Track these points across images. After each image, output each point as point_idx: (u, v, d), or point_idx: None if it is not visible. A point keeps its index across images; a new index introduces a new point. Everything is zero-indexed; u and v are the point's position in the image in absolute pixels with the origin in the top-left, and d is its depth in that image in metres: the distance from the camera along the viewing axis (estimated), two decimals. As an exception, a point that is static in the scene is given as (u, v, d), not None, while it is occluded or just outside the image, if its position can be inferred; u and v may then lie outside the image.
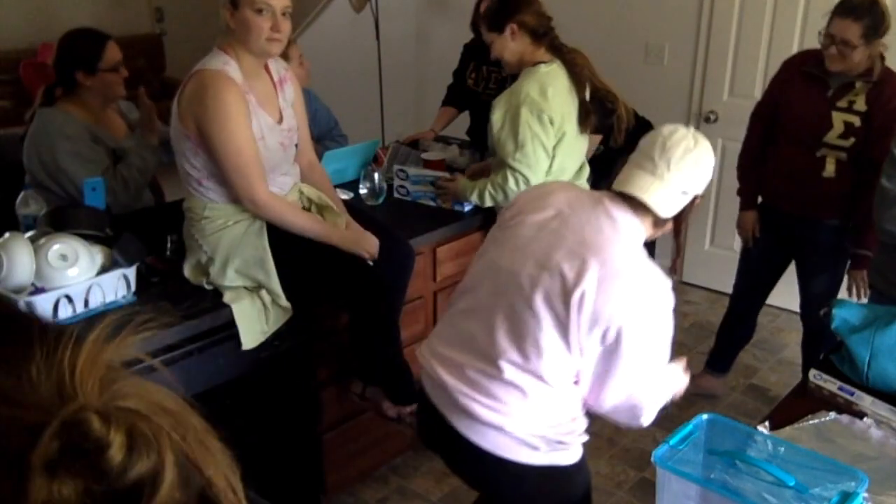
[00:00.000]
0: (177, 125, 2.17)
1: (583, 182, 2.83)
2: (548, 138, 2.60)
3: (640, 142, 1.76)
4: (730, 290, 4.26)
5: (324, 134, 3.40)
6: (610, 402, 1.70)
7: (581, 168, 2.83)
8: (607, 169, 3.17)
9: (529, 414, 1.70)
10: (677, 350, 3.45)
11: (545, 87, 2.58)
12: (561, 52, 2.66)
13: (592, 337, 1.61)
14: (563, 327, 1.62)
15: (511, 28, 2.61)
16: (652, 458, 1.48)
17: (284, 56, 3.02)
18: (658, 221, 1.71)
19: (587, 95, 2.73)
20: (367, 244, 2.31)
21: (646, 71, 4.28)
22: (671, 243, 4.33)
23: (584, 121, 2.71)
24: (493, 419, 1.69)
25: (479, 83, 3.51)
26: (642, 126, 3.42)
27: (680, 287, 4.42)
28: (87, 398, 0.50)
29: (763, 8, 3.90)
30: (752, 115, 3.10)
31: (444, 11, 5.10)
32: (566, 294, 1.60)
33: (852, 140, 2.74)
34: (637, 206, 1.67)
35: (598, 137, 3.11)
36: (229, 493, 0.56)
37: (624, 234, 1.67)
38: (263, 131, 2.19)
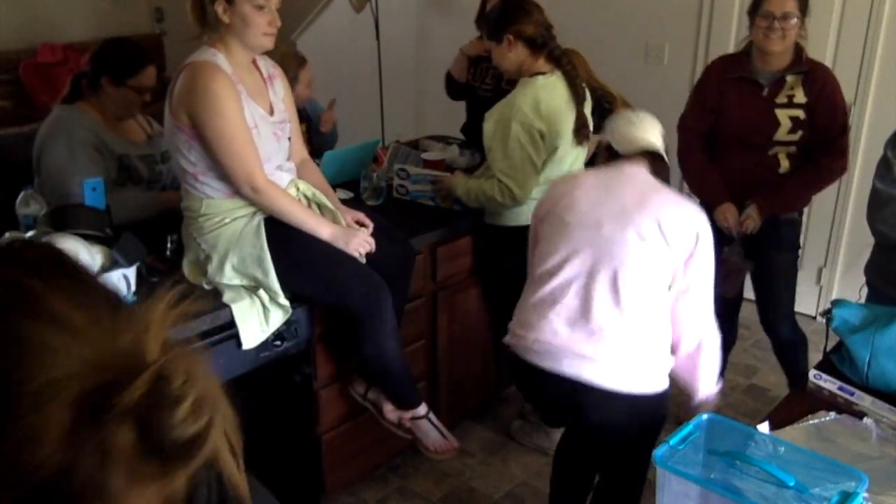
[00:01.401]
0: (169, 120, 2.17)
1: None
2: (537, 154, 2.60)
3: (612, 125, 2.18)
4: (730, 290, 4.26)
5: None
6: (695, 322, 2.05)
7: None
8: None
9: (652, 346, 2.00)
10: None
11: (538, 102, 2.57)
12: (560, 63, 2.66)
13: (680, 250, 1.97)
14: (659, 255, 1.96)
15: (508, 38, 2.61)
16: (652, 458, 1.48)
17: (293, 76, 3.02)
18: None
19: (586, 107, 2.72)
20: (357, 243, 2.30)
21: (646, 71, 4.28)
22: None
23: (578, 133, 2.69)
24: (632, 360, 1.96)
25: (477, 79, 3.52)
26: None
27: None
28: (155, 355, 0.56)
29: (763, 8, 3.90)
30: (683, 128, 2.98)
31: (444, 11, 5.10)
32: (651, 228, 1.95)
33: (800, 133, 2.77)
34: (641, 160, 2.08)
35: (598, 136, 3.12)
36: (230, 461, 0.59)
37: (651, 179, 2.08)
38: (256, 120, 2.19)
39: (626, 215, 1.97)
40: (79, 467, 0.52)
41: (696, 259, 1.99)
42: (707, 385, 2.11)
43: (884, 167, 2.25)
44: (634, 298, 1.96)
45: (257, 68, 2.29)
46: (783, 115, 2.76)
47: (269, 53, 2.33)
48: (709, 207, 2.92)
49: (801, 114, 2.75)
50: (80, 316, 0.56)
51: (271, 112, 2.27)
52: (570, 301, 2.00)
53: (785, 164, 2.82)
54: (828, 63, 3.57)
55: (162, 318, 0.58)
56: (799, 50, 2.75)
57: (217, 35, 2.15)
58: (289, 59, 3.03)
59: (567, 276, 2.01)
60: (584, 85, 2.73)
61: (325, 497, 2.69)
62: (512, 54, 2.64)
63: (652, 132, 2.12)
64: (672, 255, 1.97)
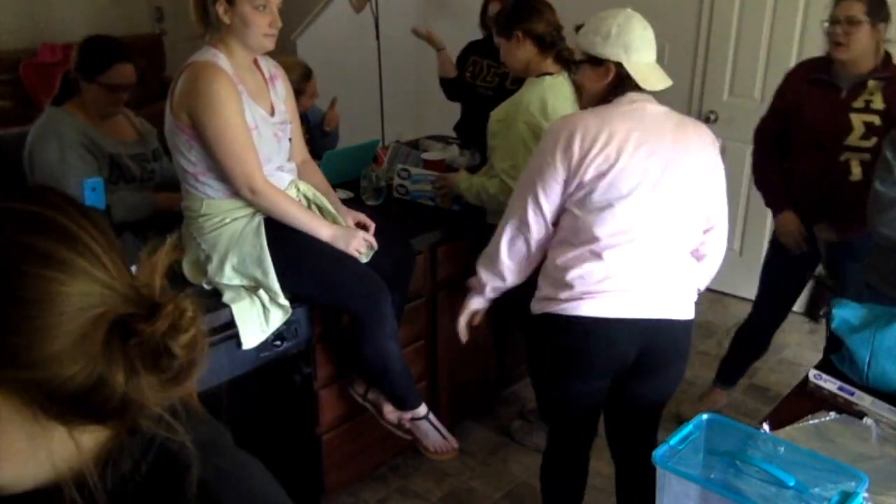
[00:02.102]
0: (170, 120, 2.17)
1: None
2: None
3: (625, 42, 2.02)
4: (730, 290, 4.26)
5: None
6: (722, 243, 2.18)
7: None
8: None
9: (694, 270, 2.13)
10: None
11: (546, 102, 2.57)
12: (569, 65, 2.63)
13: (711, 185, 2.07)
14: (700, 201, 2.05)
15: (517, 35, 2.61)
16: (652, 458, 1.48)
17: (298, 88, 3.02)
18: None
19: None
20: (357, 244, 2.30)
21: (646, 71, 4.27)
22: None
23: None
24: (687, 289, 2.09)
25: (476, 76, 3.52)
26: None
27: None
28: (158, 293, 0.71)
29: (763, 8, 3.90)
30: (757, 130, 3.02)
31: (444, 11, 5.10)
32: (690, 183, 2.01)
33: (874, 140, 2.67)
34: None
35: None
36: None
37: (666, 111, 2.05)
38: (257, 121, 2.19)
39: (671, 177, 1.98)
40: (111, 379, 0.66)
41: (717, 177, 2.09)
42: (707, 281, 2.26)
43: (884, 169, 2.24)
44: (686, 244, 2.07)
45: (258, 68, 2.29)
46: (857, 120, 2.69)
47: (270, 54, 2.33)
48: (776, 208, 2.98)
49: (876, 120, 2.66)
50: (107, 254, 0.70)
51: (272, 113, 2.26)
52: (631, 266, 1.99)
53: (856, 171, 2.73)
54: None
55: (163, 263, 0.72)
56: (885, 55, 2.68)
57: (218, 35, 2.15)
58: (295, 71, 3.03)
59: (626, 249, 1.98)
60: None
61: (325, 497, 2.69)
62: (520, 52, 2.64)
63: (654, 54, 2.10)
64: (707, 191, 2.07)
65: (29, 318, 0.65)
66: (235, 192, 2.20)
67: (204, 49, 2.15)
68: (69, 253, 0.68)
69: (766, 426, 1.68)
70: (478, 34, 3.68)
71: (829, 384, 1.85)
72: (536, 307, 2.09)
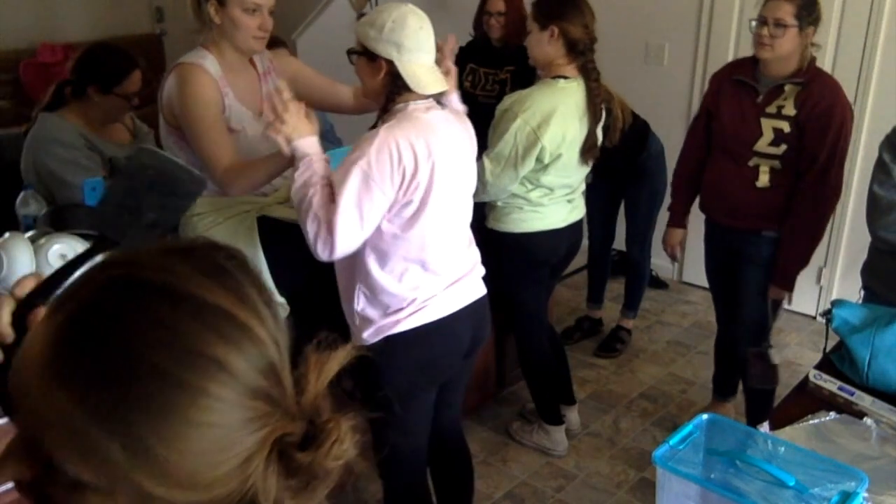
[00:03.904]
0: (162, 121, 2.19)
1: (577, 203, 2.84)
2: (522, 165, 2.55)
3: (398, 40, 1.85)
4: (730, 289, 4.26)
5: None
6: None
7: (573, 192, 2.80)
8: (604, 167, 3.15)
9: None
10: (676, 350, 3.48)
11: (555, 109, 2.52)
12: (589, 77, 2.61)
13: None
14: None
15: (552, 30, 2.56)
16: (652, 458, 1.48)
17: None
18: None
19: (598, 127, 2.68)
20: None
21: (646, 71, 4.28)
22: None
23: (586, 151, 2.66)
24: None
25: (476, 85, 3.50)
26: (640, 126, 3.42)
27: (680, 287, 4.42)
28: (313, 401, 0.67)
29: (763, 8, 3.90)
30: (687, 131, 3.05)
31: (444, 11, 5.09)
32: (472, 147, 2.11)
33: (784, 147, 2.61)
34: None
35: None
36: None
37: (452, 117, 2.05)
38: (243, 123, 2.20)
39: (463, 165, 2.03)
40: (262, 499, 0.62)
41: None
42: None
43: (881, 172, 2.22)
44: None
45: (252, 65, 2.30)
46: (767, 125, 2.62)
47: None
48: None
49: (786, 126, 2.59)
50: (282, 356, 0.65)
51: (261, 112, 2.26)
52: (450, 256, 2.03)
53: (764, 178, 2.68)
54: (827, 64, 3.57)
55: (334, 369, 0.69)
56: (807, 59, 2.59)
57: (210, 35, 2.16)
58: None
59: (444, 243, 1.99)
60: (602, 107, 2.67)
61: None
62: (548, 47, 2.58)
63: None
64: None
65: (202, 439, 0.59)
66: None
67: (193, 50, 2.18)
68: (254, 373, 0.61)
69: (766, 426, 1.68)
70: None
71: (829, 384, 1.85)
72: (371, 336, 1.99)
